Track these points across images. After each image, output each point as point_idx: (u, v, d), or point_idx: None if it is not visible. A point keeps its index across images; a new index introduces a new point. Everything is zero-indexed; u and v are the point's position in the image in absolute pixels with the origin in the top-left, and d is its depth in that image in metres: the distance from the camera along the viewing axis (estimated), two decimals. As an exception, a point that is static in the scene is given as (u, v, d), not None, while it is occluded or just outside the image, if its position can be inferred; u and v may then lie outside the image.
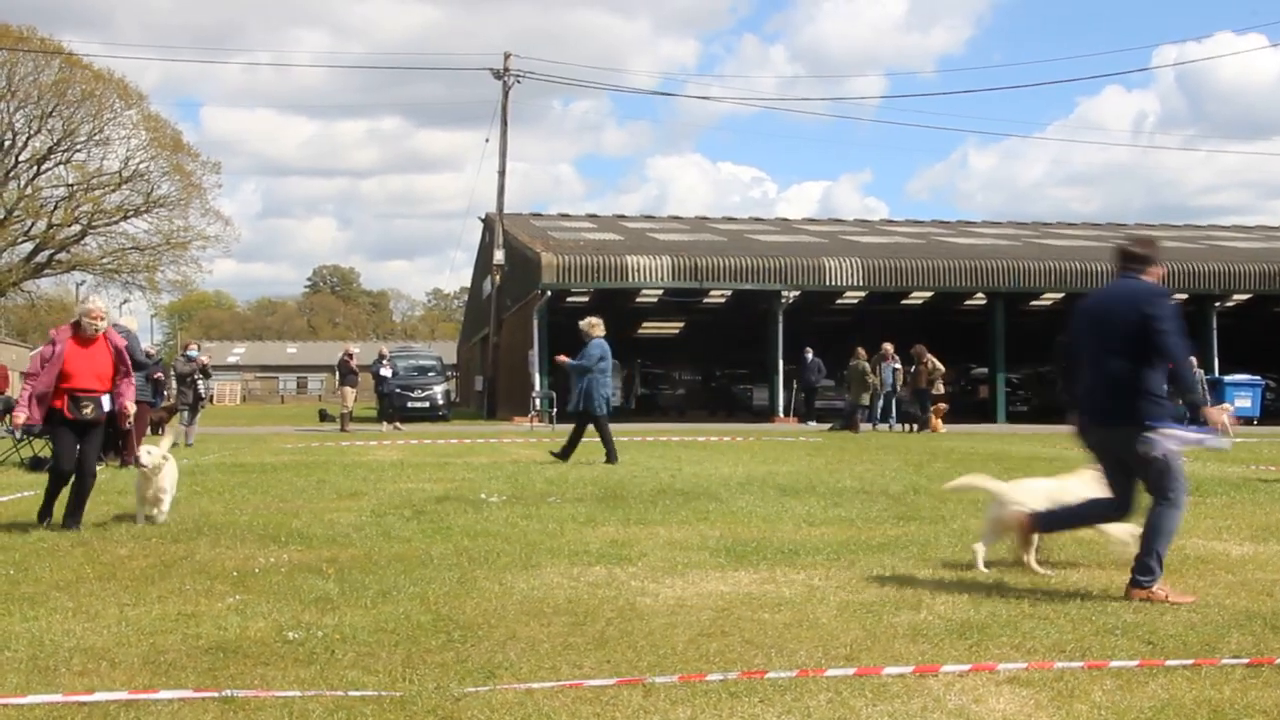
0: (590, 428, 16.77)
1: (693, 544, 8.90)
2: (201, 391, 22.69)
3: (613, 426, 17.27)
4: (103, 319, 9.86)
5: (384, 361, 32.02)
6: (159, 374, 23.70)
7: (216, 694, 4.86)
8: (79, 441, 9.82)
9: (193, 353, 23.38)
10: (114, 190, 56.48)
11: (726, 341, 46.37)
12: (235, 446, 21.70)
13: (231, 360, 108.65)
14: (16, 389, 27.19)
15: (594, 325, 17.12)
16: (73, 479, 9.88)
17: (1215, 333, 37.78)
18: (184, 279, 59.63)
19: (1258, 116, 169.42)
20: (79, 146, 55.50)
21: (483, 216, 48.51)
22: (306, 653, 5.60)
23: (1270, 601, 6.81)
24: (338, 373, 31.54)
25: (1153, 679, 5.11)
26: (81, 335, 9.75)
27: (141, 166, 56.14)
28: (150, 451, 10.08)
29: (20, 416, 9.65)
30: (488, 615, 6.40)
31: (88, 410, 9.73)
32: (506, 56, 39.84)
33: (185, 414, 21.99)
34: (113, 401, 9.92)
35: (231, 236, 72.12)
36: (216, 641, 5.81)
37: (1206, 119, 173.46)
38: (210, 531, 9.56)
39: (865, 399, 29.20)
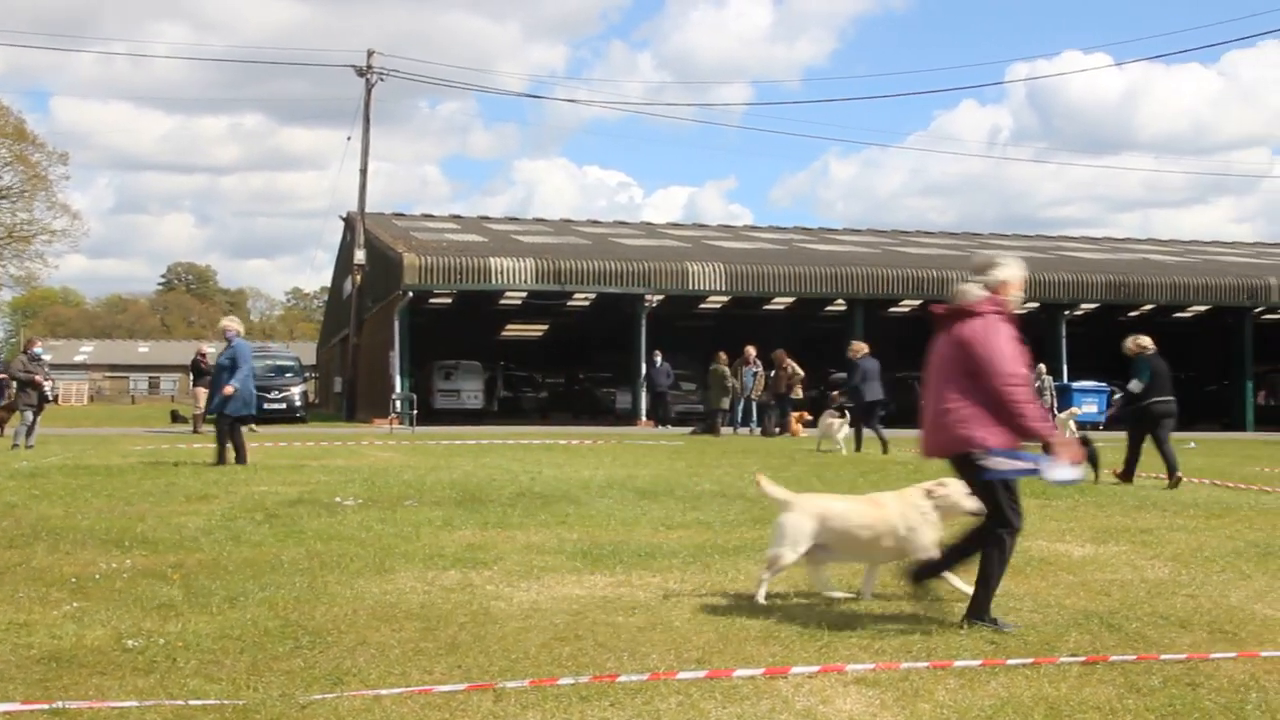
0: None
1: (550, 548, 8.86)
2: (46, 391, 21.88)
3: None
4: None
5: (240, 361, 31.26)
6: (1, 374, 22.84)
7: (47, 706, 4.68)
8: None
9: (38, 350, 22.52)
10: (-49, 180, 54.33)
11: (590, 344, 46.39)
12: (80, 448, 20.95)
13: (79, 359, 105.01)
14: None
15: (236, 321, 17.59)
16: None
17: (1064, 340, 39.02)
18: (28, 274, 57.60)
19: (1104, 132, 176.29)
20: (-90, 133, 53.25)
21: (344, 215, 47.77)
22: (146, 661, 5.42)
23: (1108, 601, 7.05)
24: (191, 373, 30.73)
25: (994, 677, 5.23)
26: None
27: (-20, 156, 54.09)
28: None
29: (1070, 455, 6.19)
30: (338, 621, 6.29)
31: None
32: (370, 54, 39.21)
33: (28, 414, 21.17)
34: None
35: (79, 231, 69.93)
36: (50, 651, 5.59)
37: (1056, 134, 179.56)
38: (48, 536, 9.20)
39: (725, 403, 29.48)
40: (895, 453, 19.98)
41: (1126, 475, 15.20)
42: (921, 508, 6.85)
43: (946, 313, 6.52)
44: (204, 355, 30.03)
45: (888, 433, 21.42)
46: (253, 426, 29.69)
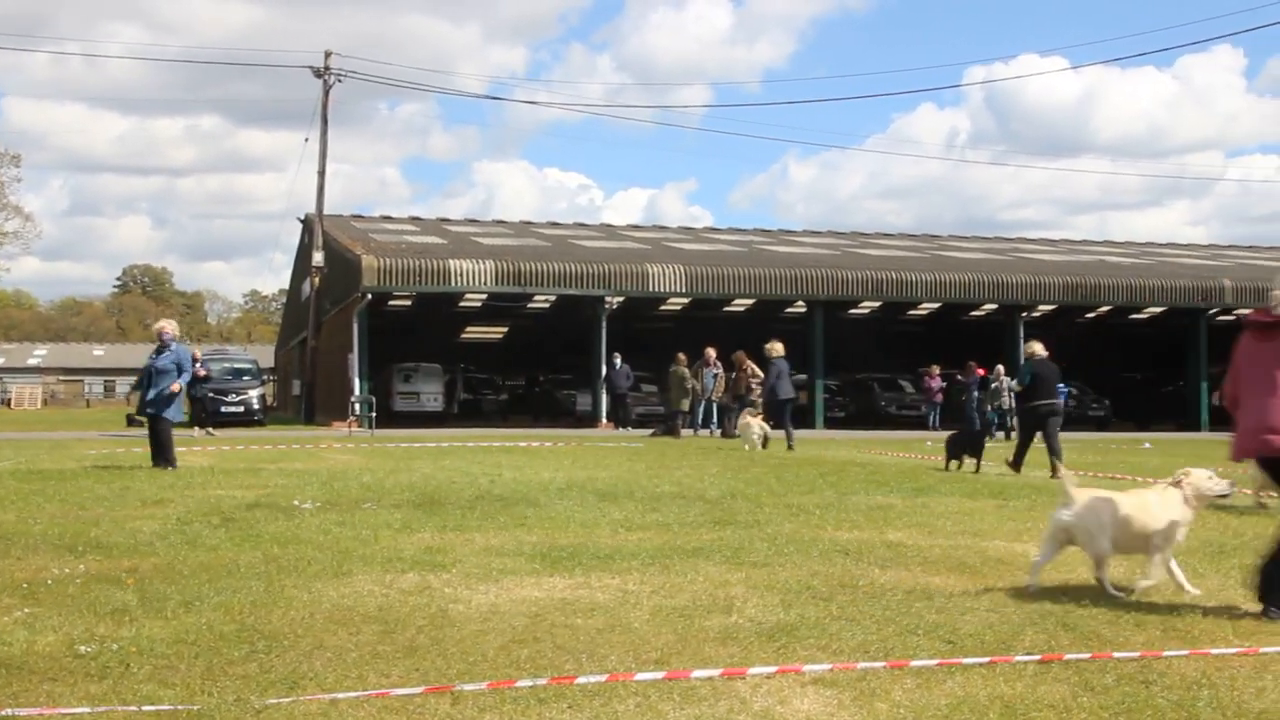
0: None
1: (509, 550, 8.84)
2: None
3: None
4: None
5: (197, 364, 31.04)
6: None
7: (-3, 713, 4.62)
8: None
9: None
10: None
11: (550, 346, 46.32)
12: (33, 452, 20.71)
13: (32, 362, 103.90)
14: None
15: (173, 324, 17.26)
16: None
17: (1022, 341, 39.29)
18: (-22, 277, 56.78)
19: (1060, 135, 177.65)
20: None
21: (302, 217, 47.47)
22: (99, 667, 5.36)
23: (1063, 600, 7.10)
24: (147, 376, 30.44)
25: (950, 677, 5.26)
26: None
27: (-72, 156, 53.28)
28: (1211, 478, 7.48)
29: None
30: (295, 625, 6.24)
31: None
32: (327, 55, 38.99)
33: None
34: None
35: (32, 233, 69.01)
36: (0, 658, 5.51)
37: (1013, 137, 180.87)
38: None
39: (685, 404, 29.52)
40: (842, 453, 20.07)
41: (1016, 465, 16.89)
42: (1178, 500, 7.35)
43: (1272, 321, 6.91)
44: (160, 358, 29.73)
45: (850, 434, 21.62)
46: (210, 430, 29.51)
